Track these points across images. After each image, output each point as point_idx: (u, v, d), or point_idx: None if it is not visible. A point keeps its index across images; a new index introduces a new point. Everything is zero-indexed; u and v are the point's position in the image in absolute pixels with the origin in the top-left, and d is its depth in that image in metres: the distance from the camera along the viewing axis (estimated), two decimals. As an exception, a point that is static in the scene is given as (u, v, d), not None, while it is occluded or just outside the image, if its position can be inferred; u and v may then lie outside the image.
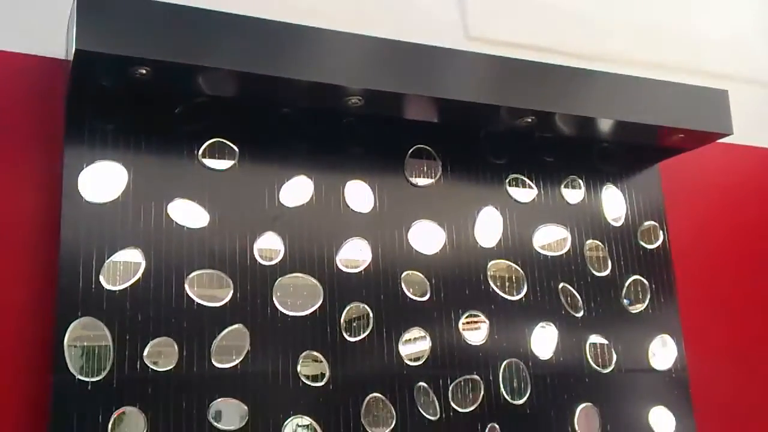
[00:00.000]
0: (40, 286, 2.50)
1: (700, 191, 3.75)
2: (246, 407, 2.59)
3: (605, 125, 3.15)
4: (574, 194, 3.33)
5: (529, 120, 3.01)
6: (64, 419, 2.36)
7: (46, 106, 2.64)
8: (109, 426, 2.41)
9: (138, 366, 2.48)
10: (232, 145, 2.77)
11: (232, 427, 2.56)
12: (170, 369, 2.52)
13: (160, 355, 2.52)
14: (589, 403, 3.11)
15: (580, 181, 3.35)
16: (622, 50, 3.79)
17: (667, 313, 3.36)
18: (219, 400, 2.56)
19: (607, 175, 3.41)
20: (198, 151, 2.73)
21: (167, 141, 2.69)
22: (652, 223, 3.45)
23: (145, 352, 2.50)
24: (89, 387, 2.41)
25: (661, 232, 3.45)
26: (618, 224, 3.37)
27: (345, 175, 2.93)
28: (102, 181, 2.57)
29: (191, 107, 2.74)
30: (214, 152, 2.75)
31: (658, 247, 3.42)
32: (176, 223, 2.64)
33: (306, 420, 2.66)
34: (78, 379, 2.40)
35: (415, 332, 2.89)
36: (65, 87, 2.55)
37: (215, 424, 2.54)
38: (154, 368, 2.50)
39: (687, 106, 3.20)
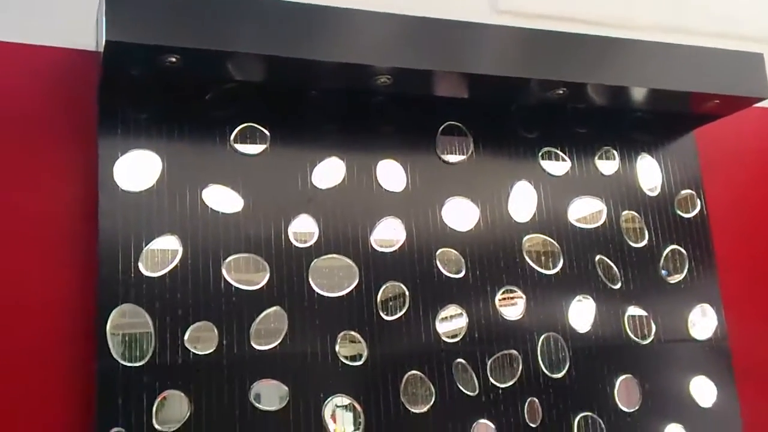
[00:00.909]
0: (81, 277, 2.55)
1: (736, 157, 3.68)
2: (286, 388, 2.62)
3: (638, 94, 3.10)
4: (608, 165, 3.29)
5: (561, 92, 2.98)
6: (110, 405, 2.42)
7: (78, 98, 2.67)
8: (154, 409, 2.46)
9: (179, 350, 2.52)
10: (263, 129, 2.79)
11: (272, 408, 2.60)
12: (210, 352, 2.56)
13: (200, 339, 2.56)
14: (629, 375, 3.09)
15: (614, 151, 3.31)
16: (652, 17, 3.72)
17: (706, 282, 3.32)
18: (259, 381, 2.60)
19: (641, 144, 3.37)
20: (230, 137, 2.74)
21: (199, 128, 2.71)
22: (689, 191, 3.40)
23: (186, 337, 2.54)
24: (133, 372, 2.46)
25: (698, 201, 3.40)
26: (654, 194, 3.33)
27: (376, 154, 2.92)
28: (137, 169, 2.60)
29: (221, 93, 2.75)
30: (246, 137, 2.76)
31: (696, 215, 3.38)
32: (211, 208, 2.67)
33: (346, 400, 2.69)
34: (122, 365, 2.45)
35: (452, 310, 2.90)
36: (97, 78, 2.58)
37: (256, 405, 2.58)
38: (195, 352, 2.54)
39: (721, 71, 3.14)
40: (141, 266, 2.54)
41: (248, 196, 2.72)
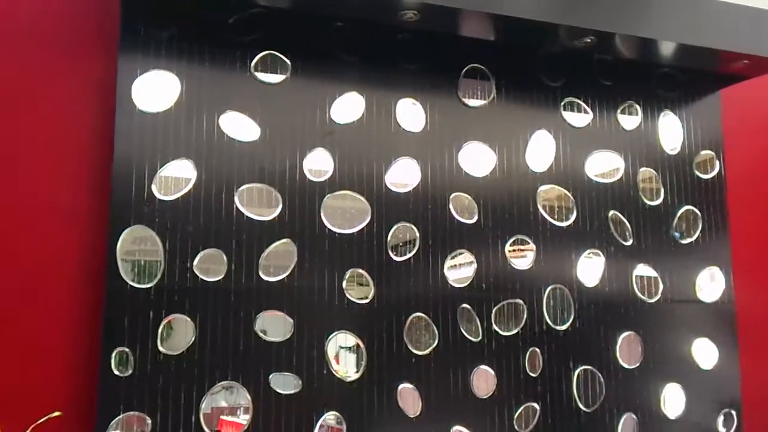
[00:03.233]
0: (94, 196, 2.53)
1: (760, 122, 3.62)
2: (291, 320, 2.63)
3: (666, 48, 3.04)
4: (630, 120, 3.23)
5: (588, 40, 2.91)
6: (117, 324, 2.43)
7: (101, 13, 2.61)
8: (159, 331, 2.47)
9: (188, 275, 2.52)
10: (284, 58, 2.73)
11: (277, 339, 2.61)
12: (219, 279, 2.56)
13: (210, 265, 2.55)
14: (632, 332, 3.10)
15: (638, 107, 3.25)
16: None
17: (718, 245, 3.30)
18: (265, 312, 2.60)
19: (665, 101, 3.31)
20: (251, 64, 2.69)
21: (221, 52, 2.65)
22: (709, 152, 3.35)
23: (195, 262, 2.53)
24: (140, 294, 2.46)
25: (717, 162, 3.35)
26: (674, 153, 3.29)
27: (397, 92, 2.87)
28: (155, 89, 2.56)
29: (245, 18, 2.69)
30: (267, 65, 2.71)
31: (713, 177, 3.34)
32: (227, 135, 2.63)
33: (350, 339, 2.70)
34: (130, 285, 2.45)
35: (461, 258, 2.89)
36: (120, -7, 2.53)
37: (261, 335, 2.58)
38: (204, 278, 2.54)
39: (752, 30, 3.06)
40: (154, 189, 2.51)
41: (265, 125, 2.68)
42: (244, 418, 2.54)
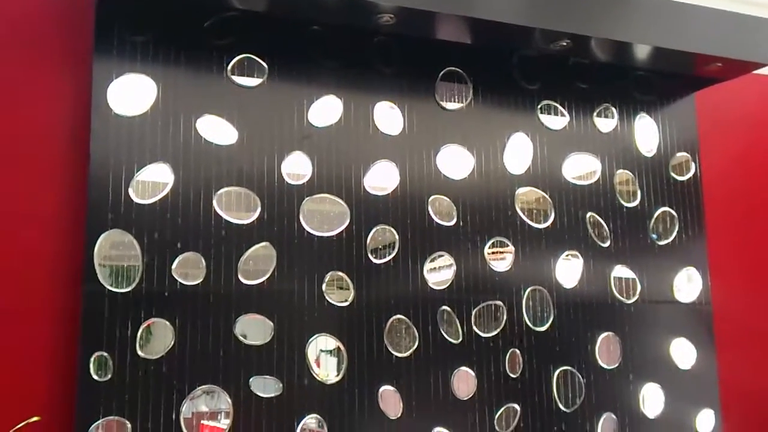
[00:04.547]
0: (71, 201, 2.52)
1: (734, 124, 3.67)
2: (271, 323, 2.62)
3: (642, 51, 3.07)
4: (606, 123, 3.27)
5: (564, 44, 2.94)
6: (95, 328, 2.41)
7: (75, 16, 2.60)
8: (138, 336, 2.46)
9: (166, 279, 2.51)
10: (261, 61, 2.74)
11: (257, 342, 2.61)
12: (198, 283, 2.55)
13: (188, 269, 2.55)
14: (611, 333, 3.12)
15: (614, 109, 3.29)
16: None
17: (695, 246, 3.33)
18: (245, 315, 2.60)
19: (641, 104, 3.34)
20: (227, 67, 2.69)
21: (196, 55, 2.66)
22: (685, 154, 3.39)
23: (174, 266, 2.52)
24: (119, 298, 2.45)
25: (693, 164, 3.39)
26: (650, 155, 3.32)
27: (375, 95, 2.89)
28: (131, 93, 2.55)
29: (221, 21, 2.69)
30: (244, 69, 2.71)
31: (689, 179, 3.38)
32: (205, 139, 2.63)
33: (330, 343, 2.70)
34: (108, 290, 2.44)
35: (441, 261, 2.90)
36: (95, -2, 2.52)
37: (241, 338, 2.58)
38: (182, 282, 2.53)
39: (726, 34, 3.11)
40: (131, 193, 2.51)
41: (243, 128, 2.69)
42: (225, 423, 2.53)
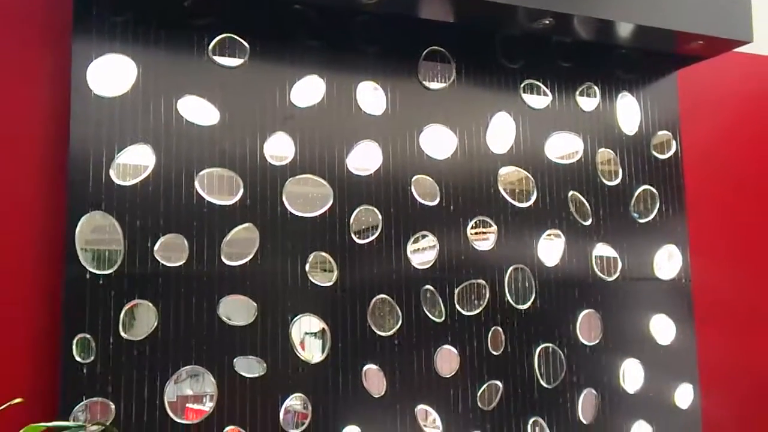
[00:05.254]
0: (51, 183, 2.50)
1: (716, 102, 3.69)
2: (255, 304, 2.63)
3: (624, 30, 3.07)
4: (589, 102, 3.27)
5: (547, 22, 2.94)
6: (77, 310, 2.41)
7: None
8: (121, 318, 2.46)
9: (149, 261, 2.51)
10: (242, 41, 2.71)
11: (241, 323, 2.61)
12: (181, 265, 2.55)
13: (171, 251, 2.54)
14: (592, 310, 3.15)
15: (596, 88, 3.29)
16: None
17: (675, 224, 3.36)
18: (228, 296, 2.60)
19: (623, 82, 3.35)
20: (208, 47, 2.67)
21: (177, 35, 2.63)
22: (666, 133, 3.41)
23: (156, 247, 2.52)
24: (101, 281, 2.44)
25: (674, 143, 3.41)
26: (631, 133, 3.33)
27: (357, 75, 2.87)
28: (111, 74, 2.53)
29: (202, 0, 2.66)
30: (225, 48, 2.69)
31: (670, 157, 3.39)
32: (186, 119, 2.61)
33: (315, 324, 2.71)
34: (90, 272, 2.43)
35: (424, 242, 2.91)
36: (72, -24, 2.48)
37: (225, 319, 2.59)
38: (165, 263, 2.53)
39: (708, 12, 3.11)
40: (112, 174, 2.49)
41: (225, 109, 2.67)
42: (209, 406, 2.54)
